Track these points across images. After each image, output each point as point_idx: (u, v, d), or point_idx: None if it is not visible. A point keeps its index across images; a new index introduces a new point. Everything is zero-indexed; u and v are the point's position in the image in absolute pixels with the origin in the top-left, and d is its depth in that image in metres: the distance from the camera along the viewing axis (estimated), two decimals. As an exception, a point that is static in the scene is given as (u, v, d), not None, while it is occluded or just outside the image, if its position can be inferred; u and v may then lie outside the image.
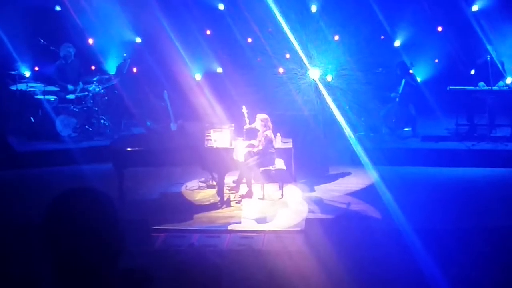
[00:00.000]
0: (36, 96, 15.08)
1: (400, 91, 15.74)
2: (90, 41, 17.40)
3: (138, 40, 17.83)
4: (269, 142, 11.97)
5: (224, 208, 11.49)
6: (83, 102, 15.34)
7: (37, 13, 16.96)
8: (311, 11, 16.46)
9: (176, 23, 16.76)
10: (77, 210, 2.67)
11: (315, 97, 14.25)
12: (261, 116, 12.07)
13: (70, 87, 15.52)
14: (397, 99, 15.77)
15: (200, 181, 12.81)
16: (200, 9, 17.50)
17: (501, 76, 15.25)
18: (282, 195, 12.11)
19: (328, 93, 14.29)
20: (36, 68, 16.83)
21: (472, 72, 16.17)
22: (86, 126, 15.20)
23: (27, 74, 16.15)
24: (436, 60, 17.90)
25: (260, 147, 11.97)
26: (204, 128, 12.38)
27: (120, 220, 2.76)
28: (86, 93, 15.38)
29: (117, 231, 2.73)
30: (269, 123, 12.03)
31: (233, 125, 12.43)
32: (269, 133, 11.97)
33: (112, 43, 17.39)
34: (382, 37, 17.43)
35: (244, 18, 17.02)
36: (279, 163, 12.19)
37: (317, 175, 13.42)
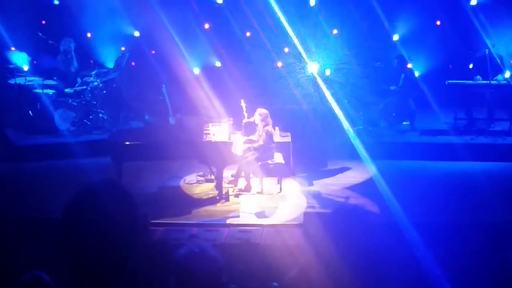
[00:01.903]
0: (34, 90, 15.06)
1: (400, 85, 15.71)
2: (89, 35, 17.38)
3: (137, 34, 17.79)
4: (270, 137, 11.96)
5: (222, 202, 11.50)
6: (82, 96, 15.33)
7: (36, 6, 16.93)
8: (309, 4, 16.43)
9: (174, 16, 16.72)
10: (100, 204, 2.66)
11: (313, 91, 14.25)
12: (260, 111, 12.05)
13: (75, 64, 15.60)
14: (397, 93, 15.71)
15: (198, 175, 12.81)
16: (198, 2, 17.46)
17: (499, 70, 15.24)
18: (280, 189, 12.12)
19: (326, 87, 14.29)
20: (34, 62, 16.80)
21: (471, 66, 16.15)
22: (85, 120, 15.18)
23: (26, 67, 16.11)
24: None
25: (261, 143, 11.96)
26: (203, 122, 12.38)
27: (139, 213, 2.76)
28: (85, 87, 15.36)
29: (138, 227, 2.73)
30: (269, 119, 12.01)
31: (231, 119, 12.43)
32: (269, 128, 11.96)
33: (111, 37, 17.37)
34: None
35: (242, 12, 16.99)
36: (278, 157, 12.19)
37: (316, 169, 13.43)
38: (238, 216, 10.93)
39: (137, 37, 17.82)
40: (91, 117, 15.30)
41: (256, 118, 12.05)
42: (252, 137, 12.29)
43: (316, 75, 14.29)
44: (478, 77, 15.17)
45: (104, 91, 15.74)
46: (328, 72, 14.67)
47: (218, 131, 11.91)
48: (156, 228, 10.23)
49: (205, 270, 3.87)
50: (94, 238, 2.62)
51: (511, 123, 15.20)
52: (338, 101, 14.40)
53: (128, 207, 2.73)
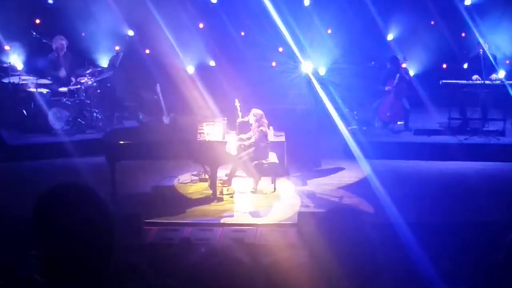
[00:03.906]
0: (28, 89, 15.02)
1: (394, 85, 15.69)
2: (83, 34, 17.34)
3: (131, 33, 17.78)
4: (264, 136, 11.95)
5: (216, 201, 11.48)
6: (76, 95, 15.30)
7: (30, 5, 16.91)
8: (304, 4, 16.44)
9: (169, 16, 16.70)
10: (63, 207, 2.65)
11: (308, 90, 14.25)
12: (255, 111, 12.04)
13: (69, 63, 15.57)
14: (391, 93, 15.69)
15: (192, 175, 12.79)
16: (193, 2, 17.46)
17: (493, 70, 15.26)
18: (274, 188, 12.11)
19: (320, 87, 14.29)
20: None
21: (465, 66, 16.17)
22: (79, 119, 15.15)
23: (20, 67, 16.06)
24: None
25: (253, 140, 11.95)
26: (197, 122, 12.38)
27: (110, 215, 2.73)
28: (79, 86, 15.34)
29: (106, 227, 2.70)
30: (263, 120, 12.00)
31: (225, 118, 12.42)
32: (264, 128, 11.95)
33: (105, 36, 17.34)
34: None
35: (237, 11, 17.00)
36: (272, 157, 12.18)
37: (310, 169, 13.42)
38: (232, 216, 10.92)
39: (132, 36, 17.81)
40: (85, 116, 15.28)
41: (251, 118, 12.04)
42: (243, 136, 12.29)
43: (310, 75, 14.29)
44: (476, 76, 15.18)
45: (98, 90, 15.73)
46: (322, 71, 14.69)
47: (212, 130, 11.90)
48: (150, 228, 10.22)
49: (200, 269, 3.75)
50: (62, 238, 2.61)
51: (505, 123, 15.22)
52: (332, 101, 14.41)
53: (96, 210, 2.70)
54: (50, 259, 2.64)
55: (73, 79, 15.55)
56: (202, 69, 17.63)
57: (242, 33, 17.59)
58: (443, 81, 15.54)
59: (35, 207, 2.69)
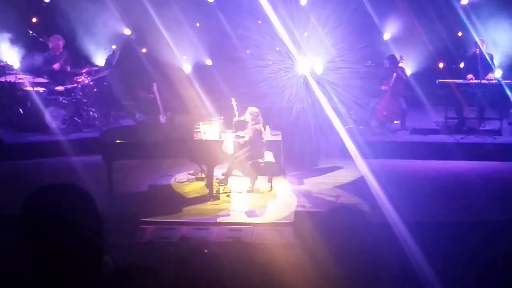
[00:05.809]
0: (25, 88, 15.00)
1: (391, 84, 15.69)
2: (79, 33, 17.31)
3: (128, 32, 17.76)
4: (258, 134, 11.94)
5: (213, 200, 11.47)
6: (72, 94, 15.29)
7: (27, 4, 16.90)
8: (300, 4, 16.42)
9: (165, 15, 16.70)
10: (51, 207, 2.64)
11: (304, 90, 14.24)
12: (251, 110, 12.05)
13: (65, 62, 15.57)
14: (388, 92, 15.69)
15: (189, 174, 12.78)
16: (190, 1, 17.45)
17: (490, 69, 15.29)
18: (271, 187, 12.10)
19: (317, 86, 14.28)
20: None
21: (462, 65, 16.19)
22: (75, 118, 15.14)
23: (16, 65, 16.05)
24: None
25: (247, 138, 11.95)
26: (193, 121, 12.37)
27: (100, 215, 2.72)
28: (75, 85, 15.32)
29: (95, 227, 2.68)
30: (259, 118, 12.00)
31: (222, 117, 12.42)
32: (259, 126, 11.95)
33: (102, 35, 17.33)
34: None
35: (233, 11, 16.99)
36: (268, 156, 12.19)
37: (307, 168, 13.42)
38: (229, 215, 10.91)
39: (128, 35, 17.80)
40: (82, 115, 15.26)
41: (247, 116, 12.05)
42: (241, 133, 12.30)
43: (307, 74, 14.29)
44: (470, 76, 15.21)
45: (95, 89, 15.72)
46: (319, 70, 14.68)
47: (209, 129, 11.90)
48: (146, 227, 10.22)
49: (206, 269, 3.81)
50: (49, 239, 2.59)
51: (501, 122, 15.26)
52: (329, 100, 14.40)
53: (85, 210, 2.69)
54: (37, 260, 2.63)
55: (69, 76, 15.55)
56: (198, 68, 17.64)
57: (239, 32, 17.58)
58: (440, 80, 15.57)
59: (23, 207, 2.67)
